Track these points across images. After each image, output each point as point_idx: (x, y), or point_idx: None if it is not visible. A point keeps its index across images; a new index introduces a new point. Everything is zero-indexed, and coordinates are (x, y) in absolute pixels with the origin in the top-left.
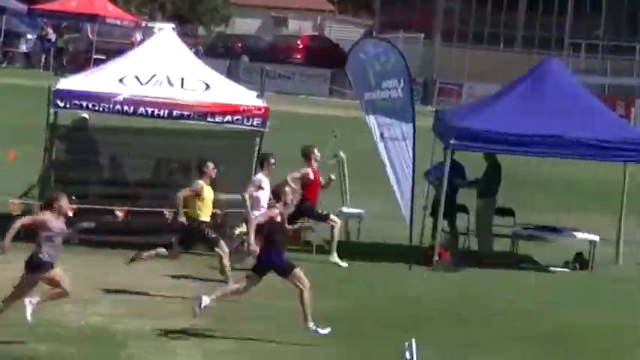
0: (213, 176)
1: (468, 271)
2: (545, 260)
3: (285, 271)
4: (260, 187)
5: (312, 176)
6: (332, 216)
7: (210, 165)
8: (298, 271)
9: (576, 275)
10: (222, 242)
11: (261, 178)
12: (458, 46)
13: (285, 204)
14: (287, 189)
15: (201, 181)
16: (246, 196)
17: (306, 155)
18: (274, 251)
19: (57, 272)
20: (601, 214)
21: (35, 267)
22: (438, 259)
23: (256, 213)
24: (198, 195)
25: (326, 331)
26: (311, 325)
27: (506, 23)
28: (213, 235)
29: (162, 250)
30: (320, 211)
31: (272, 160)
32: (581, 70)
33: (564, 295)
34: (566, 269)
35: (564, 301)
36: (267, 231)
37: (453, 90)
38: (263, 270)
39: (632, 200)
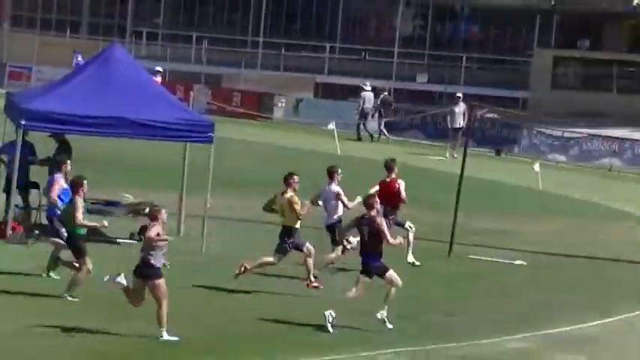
0: (297, 188)
1: (40, 243)
2: (114, 233)
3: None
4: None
5: None
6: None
7: (296, 177)
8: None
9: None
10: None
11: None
12: (27, 32)
13: (378, 212)
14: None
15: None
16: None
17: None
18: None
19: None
20: (166, 191)
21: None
22: (11, 232)
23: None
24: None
25: None
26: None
27: (73, 10)
28: (302, 241)
29: (268, 259)
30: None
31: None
32: (142, 56)
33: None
34: (133, 241)
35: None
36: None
37: (22, 73)
38: (370, 273)
39: (191, 178)
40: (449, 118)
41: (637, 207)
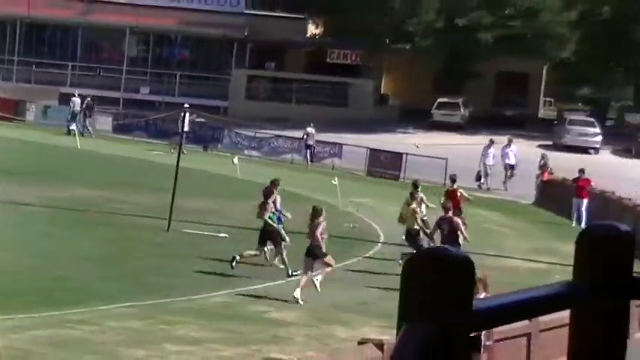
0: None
1: None
2: None
3: None
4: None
5: None
6: None
7: (418, 194)
8: None
9: None
10: None
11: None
12: None
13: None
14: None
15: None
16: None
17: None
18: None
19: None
20: None
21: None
22: None
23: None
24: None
25: None
26: None
27: None
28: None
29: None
30: None
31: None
32: None
33: None
34: None
35: None
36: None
37: None
38: None
39: None
40: (180, 123)
41: (311, 191)
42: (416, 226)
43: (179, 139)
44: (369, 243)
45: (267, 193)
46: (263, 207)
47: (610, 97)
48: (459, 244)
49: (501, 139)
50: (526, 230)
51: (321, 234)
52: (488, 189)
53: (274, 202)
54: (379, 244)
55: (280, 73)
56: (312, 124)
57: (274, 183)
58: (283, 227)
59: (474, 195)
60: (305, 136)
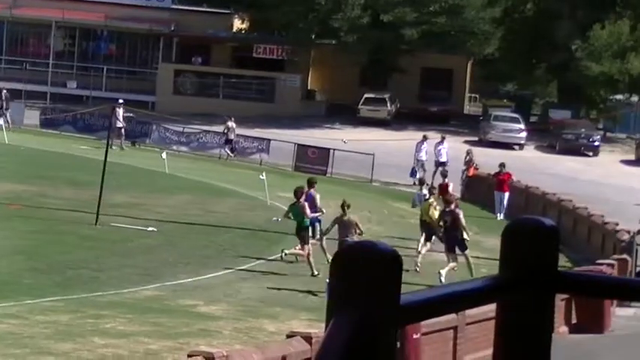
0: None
1: None
2: None
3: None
4: None
5: None
6: None
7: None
8: None
9: None
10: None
11: None
12: None
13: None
14: None
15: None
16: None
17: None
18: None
19: None
20: None
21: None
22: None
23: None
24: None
25: None
26: None
27: None
28: None
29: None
30: None
31: None
32: None
33: None
34: None
35: None
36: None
37: None
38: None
39: None
40: (114, 118)
41: (239, 186)
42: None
43: (120, 134)
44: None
45: (298, 193)
46: (302, 208)
47: (534, 93)
48: (462, 236)
49: (435, 136)
50: None
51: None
52: (429, 185)
53: (314, 201)
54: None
55: (207, 68)
56: (232, 118)
57: (311, 183)
58: (319, 225)
59: (407, 191)
60: (226, 131)
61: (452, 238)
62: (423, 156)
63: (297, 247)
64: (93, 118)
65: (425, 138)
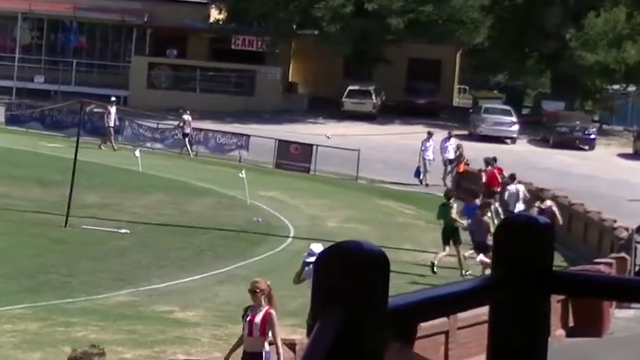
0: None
1: None
2: None
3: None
4: None
5: None
6: None
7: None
8: None
9: None
10: None
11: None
12: None
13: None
14: None
15: None
16: None
17: None
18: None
19: None
20: None
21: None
22: None
23: None
24: None
25: None
26: None
27: None
28: None
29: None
30: None
31: None
32: None
33: None
34: None
35: None
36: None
37: None
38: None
39: None
40: (106, 117)
41: (217, 185)
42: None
43: (110, 133)
44: (278, 238)
45: (449, 194)
46: (450, 210)
47: (526, 84)
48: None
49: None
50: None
51: None
52: (427, 185)
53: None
54: (289, 239)
55: (182, 61)
56: (187, 112)
57: (476, 194)
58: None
59: (400, 190)
60: (181, 124)
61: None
62: (430, 155)
63: (442, 253)
64: (62, 115)
65: (430, 135)
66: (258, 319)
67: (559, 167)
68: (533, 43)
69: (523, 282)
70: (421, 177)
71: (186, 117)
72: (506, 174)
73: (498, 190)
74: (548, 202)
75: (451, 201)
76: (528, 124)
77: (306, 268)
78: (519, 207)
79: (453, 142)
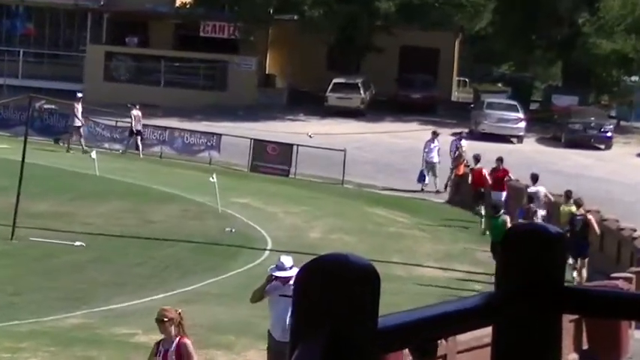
0: None
1: None
2: None
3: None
4: None
5: None
6: None
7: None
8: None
9: None
10: None
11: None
12: None
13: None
14: None
15: None
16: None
17: None
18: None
19: None
20: None
21: None
22: None
23: None
24: None
25: None
26: None
27: None
28: None
29: None
30: None
31: None
32: None
33: None
34: None
35: None
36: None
37: None
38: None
39: None
40: (72, 115)
41: (184, 190)
42: None
43: (77, 133)
44: (254, 251)
45: (498, 206)
46: (505, 223)
47: (534, 76)
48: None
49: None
50: (439, 233)
51: None
52: (437, 192)
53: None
54: (267, 252)
55: (144, 50)
56: (137, 106)
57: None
58: None
59: (407, 198)
60: (131, 121)
61: (581, 245)
62: (434, 157)
63: None
64: (8, 112)
65: (435, 135)
66: (171, 352)
67: (571, 169)
68: (541, 29)
69: (531, 299)
70: (426, 182)
71: (136, 112)
72: (513, 176)
73: (484, 190)
74: (582, 209)
75: (501, 212)
76: (537, 120)
77: (273, 283)
78: (540, 213)
79: (465, 144)
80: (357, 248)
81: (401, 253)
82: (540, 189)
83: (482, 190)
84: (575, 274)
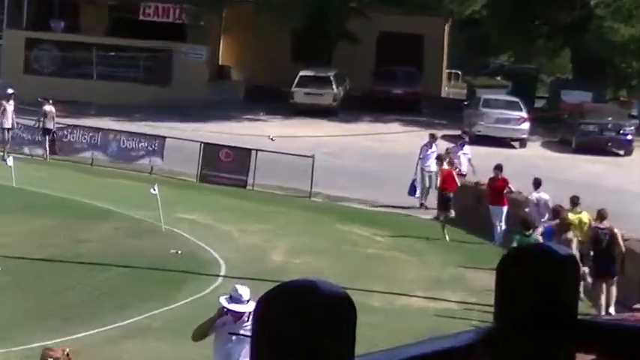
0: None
1: None
2: None
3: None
4: None
5: None
6: None
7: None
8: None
9: None
10: None
11: None
12: None
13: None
14: None
15: None
16: None
17: None
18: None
19: None
20: None
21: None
22: None
23: None
24: None
25: None
26: None
27: None
28: None
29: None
30: None
31: None
32: None
33: None
34: None
35: None
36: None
37: None
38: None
39: None
40: (42, 118)
41: (120, 204)
42: None
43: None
44: (203, 277)
45: (529, 223)
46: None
47: (538, 67)
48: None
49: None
50: (426, 255)
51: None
52: (425, 208)
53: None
54: (219, 279)
55: (73, 36)
56: (50, 101)
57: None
58: None
59: (388, 214)
60: (42, 118)
61: (608, 262)
62: (432, 165)
63: None
64: None
65: (433, 138)
66: None
67: (584, 178)
68: (545, 11)
69: (536, 333)
70: (418, 194)
71: (48, 108)
72: (514, 188)
73: (452, 195)
74: (607, 222)
75: (532, 231)
76: (543, 120)
77: (223, 318)
78: (543, 219)
79: (468, 150)
80: (327, 274)
81: (381, 280)
82: (543, 196)
83: (451, 194)
84: (602, 298)
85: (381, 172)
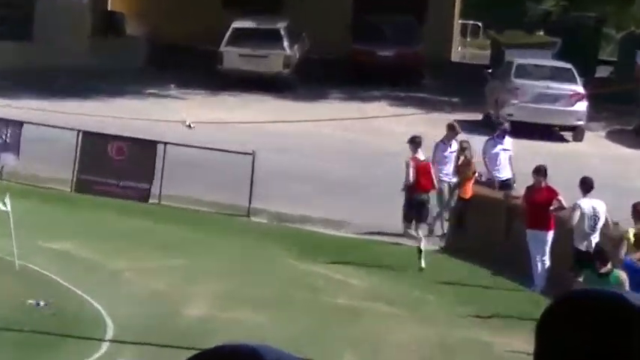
0: None
1: None
2: None
3: None
4: None
5: None
6: None
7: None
8: None
9: None
10: None
11: None
12: None
13: None
14: None
15: None
16: None
17: None
18: None
19: None
20: None
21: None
22: None
23: None
24: None
25: None
26: None
27: None
28: None
29: None
30: None
31: None
32: None
33: None
34: None
35: None
36: None
37: None
38: None
39: None
40: None
41: None
42: None
43: None
44: (82, 342)
45: (605, 256)
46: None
47: (600, 17)
48: None
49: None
50: (424, 307)
51: None
52: (437, 236)
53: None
54: (105, 344)
55: None
56: None
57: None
58: None
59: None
60: None
61: None
62: (449, 168)
63: None
64: None
65: (454, 132)
66: None
67: None
68: None
69: None
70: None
71: None
72: (565, 203)
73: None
74: None
75: (609, 265)
76: (609, 98)
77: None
78: (595, 240)
79: (509, 145)
80: (274, 337)
81: (357, 346)
82: (598, 206)
83: (426, 197)
84: None
85: (358, 178)
